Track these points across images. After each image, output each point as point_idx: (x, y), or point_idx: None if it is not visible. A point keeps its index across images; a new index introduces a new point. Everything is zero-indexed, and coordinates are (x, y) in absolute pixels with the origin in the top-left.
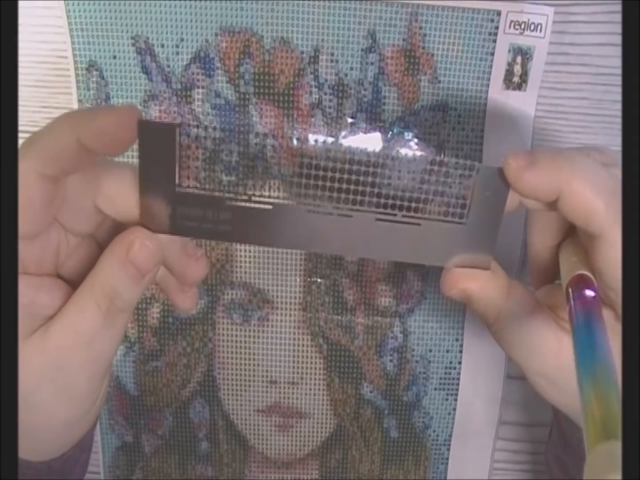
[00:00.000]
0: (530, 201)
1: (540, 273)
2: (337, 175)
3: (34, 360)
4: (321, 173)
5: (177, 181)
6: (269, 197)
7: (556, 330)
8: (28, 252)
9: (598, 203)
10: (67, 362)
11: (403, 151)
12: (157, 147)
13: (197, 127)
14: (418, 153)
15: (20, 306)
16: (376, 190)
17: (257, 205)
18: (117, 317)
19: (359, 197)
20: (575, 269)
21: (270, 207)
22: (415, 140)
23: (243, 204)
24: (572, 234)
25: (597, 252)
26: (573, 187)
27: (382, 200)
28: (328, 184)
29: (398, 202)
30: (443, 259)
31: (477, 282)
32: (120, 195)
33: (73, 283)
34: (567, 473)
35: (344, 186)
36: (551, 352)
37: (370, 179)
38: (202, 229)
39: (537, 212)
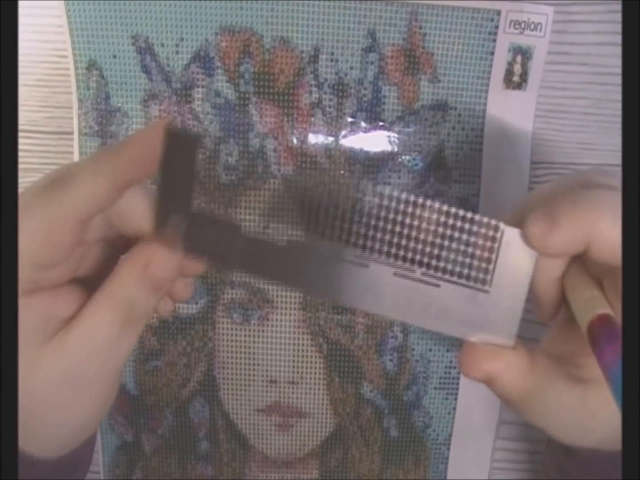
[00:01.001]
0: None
1: (546, 306)
2: (357, 217)
3: (54, 365)
4: (338, 213)
5: (193, 198)
6: (284, 232)
7: (582, 388)
8: (46, 275)
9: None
10: (85, 367)
11: (427, 202)
12: (179, 159)
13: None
14: (442, 206)
15: (37, 315)
16: (395, 239)
17: (270, 239)
18: (134, 325)
19: (376, 246)
20: (593, 307)
21: (284, 243)
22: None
23: (257, 236)
24: (576, 263)
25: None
26: (602, 234)
27: (402, 252)
28: (346, 225)
29: (418, 257)
30: (462, 330)
31: (501, 363)
32: (131, 213)
33: (84, 282)
34: (567, 476)
35: (361, 230)
36: (579, 409)
37: (390, 226)
38: (212, 253)
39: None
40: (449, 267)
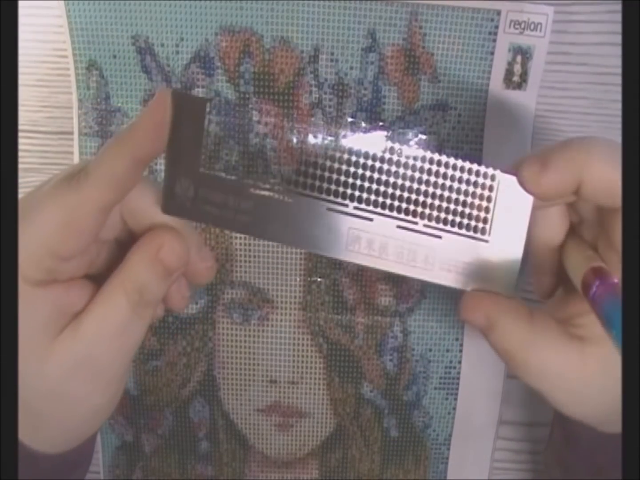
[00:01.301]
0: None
1: (544, 279)
2: (360, 171)
3: (65, 354)
4: (344, 167)
5: (201, 161)
6: (290, 189)
7: (579, 346)
8: (64, 267)
9: (617, 175)
10: (98, 351)
11: (427, 154)
12: (187, 121)
13: (228, 101)
14: (441, 157)
15: (51, 307)
16: (397, 192)
17: (278, 196)
18: (145, 310)
19: (380, 199)
20: (587, 263)
21: (291, 199)
22: (418, 137)
23: (265, 192)
24: (572, 235)
25: (617, 224)
26: (591, 170)
27: (404, 205)
28: (350, 180)
29: (419, 209)
30: (464, 281)
31: (501, 306)
32: (143, 210)
33: (96, 279)
34: (571, 472)
35: (366, 184)
36: (576, 368)
37: (392, 179)
38: (221, 216)
39: (536, 213)
40: (450, 217)
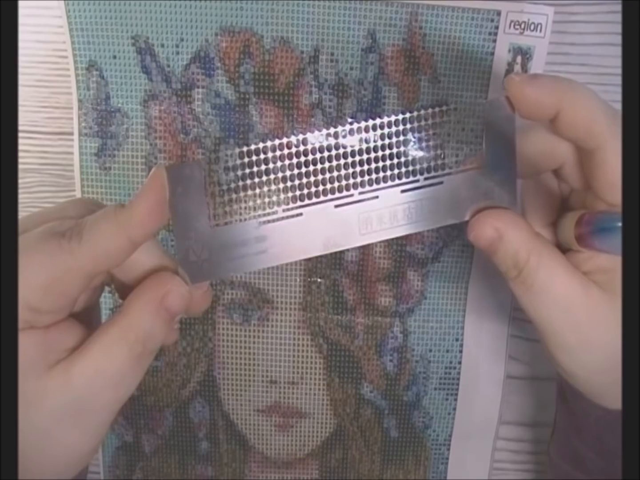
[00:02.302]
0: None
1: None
2: (358, 158)
3: (56, 395)
4: (342, 161)
5: (209, 220)
6: (297, 205)
7: (583, 280)
8: (41, 318)
9: (598, 114)
10: (92, 401)
11: (408, 114)
12: (187, 189)
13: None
14: (425, 111)
15: (35, 348)
16: (395, 161)
17: (288, 217)
18: (147, 359)
19: (380, 174)
20: (576, 215)
21: (301, 214)
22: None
23: (274, 217)
24: (564, 211)
25: (597, 168)
26: (573, 99)
27: (403, 169)
28: (350, 170)
29: (418, 166)
30: (471, 212)
31: (509, 218)
32: (130, 261)
33: (83, 311)
34: (581, 463)
35: (365, 167)
36: (581, 301)
37: (388, 152)
38: (238, 263)
39: (530, 191)
40: (446, 161)
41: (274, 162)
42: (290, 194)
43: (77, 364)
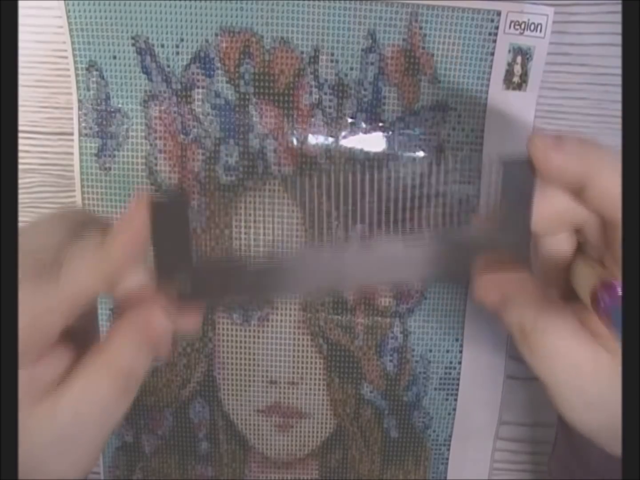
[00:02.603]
0: (553, 192)
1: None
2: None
3: (44, 430)
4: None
5: (193, 252)
6: (291, 248)
7: (593, 343)
8: (24, 356)
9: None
10: (78, 433)
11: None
12: (170, 220)
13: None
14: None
15: (20, 383)
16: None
17: (277, 264)
18: (132, 390)
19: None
20: (595, 277)
21: (291, 262)
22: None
23: (260, 251)
24: (579, 255)
25: (619, 240)
26: (602, 172)
27: (408, 222)
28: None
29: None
30: (479, 268)
31: (517, 283)
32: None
33: (73, 333)
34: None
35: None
36: (588, 364)
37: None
38: (221, 297)
39: (542, 236)
40: (455, 219)
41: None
42: (278, 233)
43: (63, 399)
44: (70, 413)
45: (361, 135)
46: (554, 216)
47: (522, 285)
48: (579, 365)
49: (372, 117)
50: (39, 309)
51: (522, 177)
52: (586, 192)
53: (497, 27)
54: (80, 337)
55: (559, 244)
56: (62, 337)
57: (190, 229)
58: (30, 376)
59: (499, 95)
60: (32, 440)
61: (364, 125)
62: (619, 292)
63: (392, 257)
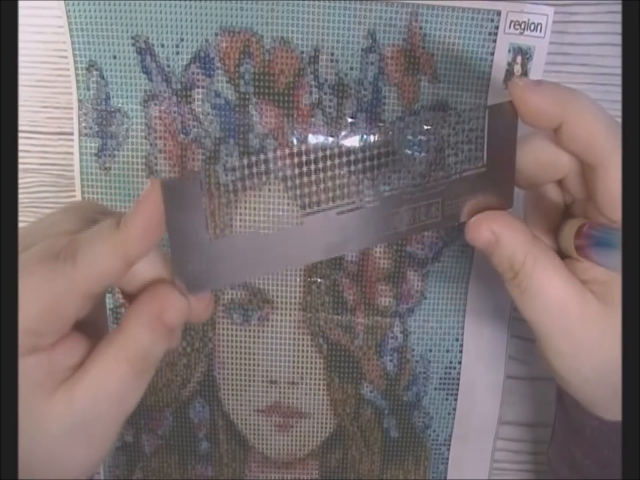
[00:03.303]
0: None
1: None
2: (360, 166)
3: (62, 416)
4: (345, 170)
5: (208, 233)
6: (299, 214)
7: (579, 287)
8: (44, 340)
9: (600, 129)
10: (96, 418)
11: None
12: (183, 204)
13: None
14: (431, 119)
15: (38, 372)
16: (397, 166)
17: (289, 226)
18: (148, 373)
19: (382, 179)
20: (577, 224)
21: (302, 222)
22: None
23: (274, 226)
24: (566, 218)
25: (599, 183)
26: (576, 112)
27: (405, 179)
28: (353, 178)
29: (418, 170)
30: (469, 212)
31: (507, 222)
32: (133, 272)
33: (84, 325)
34: (578, 469)
35: (368, 174)
36: (576, 308)
37: (385, 159)
38: (235, 274)
39: (533, 197)
40: (451, 163)
41: (275, 168)
42: (290, 203)
43: (80, 385)
44: (88, 399)
45: (361, 135)
46: (536, 165)
47: (511, 224)
48: (566, 307)
49: (372, 117)
50: (57, 291)
51: (506, 120)
52: (562, 132)
53: (497, 27)
54: (90, 329)
55: (547, 198)
56: (75, 327)
57: (203, 207)
58: (50, 362)
59: (499, 95)
60: (50, 428)
61: (364, 125)
62: (601, 226)
63: (391, 212)
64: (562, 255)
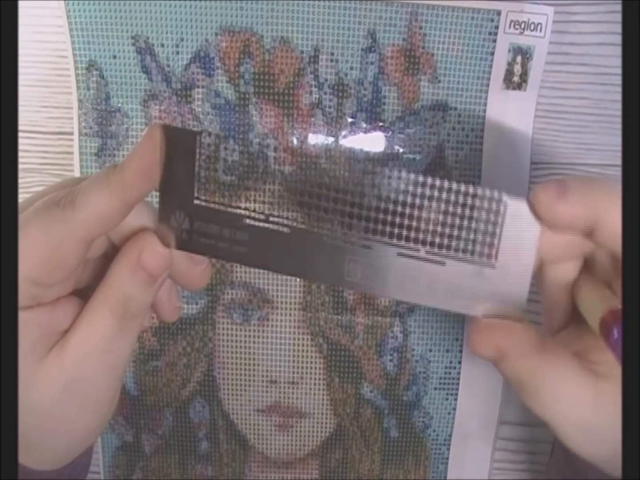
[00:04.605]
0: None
1: (555, 316)
2: (357, 200)
3: (53, 375)
4: (340, 196)
5: (195, 193)
6: (287, 218)
7: (593, 381)
8: (48, 292)
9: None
10: (85, 372)
11: (428, 179)
12: (178, 154)
13: (218, 136)
14: (444, 183)
15: (37, 330)
16: (398, 220)
17: (274, 227)
18: (131, 322)
19: (379, 227)
20: (604, 303)
21: (287, 230)
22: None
23: (260, 224)
24: (586, 272)
25: None
26: (612, 213)
27: (405, 232)
28: (347, 209)
29: (421, 236)
30: (470, 307)
31: (512, 337)
32: (126, 224)
33: (82, 293)
34: None
35: (364, 213)
36: (589, 401)
37: (392, 207)
38: (217, 247)
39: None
40: (454, 243)
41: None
42: (281, 207)
43: (69, 342)
44: (77, 355)
45: (361, 135)
46: (563, 245)
47: (518, 337)
48: (580, 406)
49: (372, 117)
50: (56, 236)
51: (526, 222)
52: (597, 234)
53: (497, 27)
54: (91, 295)
55: (566, 270)
56: (76, 294)
57: (195, 165)
58: (51, 322)
59: (499, 95)
60: (43, 386)
61: (364, 125)
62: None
63: (389, 268)
64: (574, 314)
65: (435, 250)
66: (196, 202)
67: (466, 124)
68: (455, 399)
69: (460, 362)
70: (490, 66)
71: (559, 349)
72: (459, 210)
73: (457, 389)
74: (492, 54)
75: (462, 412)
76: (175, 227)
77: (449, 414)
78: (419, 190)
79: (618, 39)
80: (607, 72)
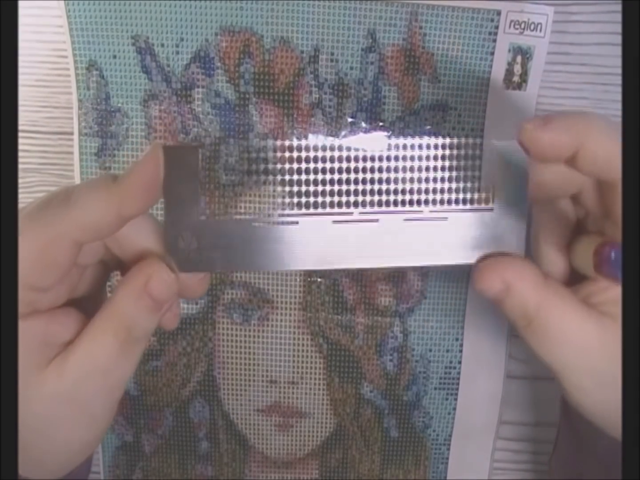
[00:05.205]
0: (547, 170)
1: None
2: (361, 176)
3: (52, 389)
4: (345, 177)
5: (201, 209)
6: (294, 214)
7: (598, 319)
8: (43, 298)
9: (617, 146)
10: (85, 391)
11: (413, 142)
12: (182, 172)
13: (219, 143)
14: (430, 141)
15: (35, 339)
16: (401, 186)
17: (284, 221)
18: (134, 346)
19: (384, 197)
20: (596, 242)
21: (297, 223)
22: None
23: (269, 220)
24: (579, 234)
25: (617, 199)
26: (591, 136)
27: (407, 197)
28: (352, 187)
29: (423, 197)
30: (473, 255)
31: (518, 269)
32: (125, 237)
33: (81, 303)
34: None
35: (368, 187)
36: (596, 342)
37: (390, 175)
38: (229, 259)
39: (543, 212)
40: (453, 197)
41: (274, 164)
42: (288, 200)
43: (70, 358)
44: (78, 373)
45: (361, 135)
46: (551, 182)
47: (523, 269)
48: (586, 344)
49: (372, 117)
50: (48, 235)
51: (517, 160)
52: (578, 159)
53: (497, 27)
54: (90, 311)
55: (559, 213)
56: (74, 305)
57: (199, 181)
58: (46, 331)
59: (499, 95)
60: (41, 398)
61: (364, 124)
62: (620, 248)
63: (397, 236)
64: (575, 273)
65: (437, 207)
66: (202, 217)
67: (466, 124)
68: (455, 399)
69: (460, 362)
70: (490, 66)
71: (562, 287)
72: (453, 162)
73: (457, 389)
74: (492, 54)
75: (462, 412)
76: (184, 249)
77: (449, 414)
78: (408, 153)
79: (618, 39)
80: (607, 72)
